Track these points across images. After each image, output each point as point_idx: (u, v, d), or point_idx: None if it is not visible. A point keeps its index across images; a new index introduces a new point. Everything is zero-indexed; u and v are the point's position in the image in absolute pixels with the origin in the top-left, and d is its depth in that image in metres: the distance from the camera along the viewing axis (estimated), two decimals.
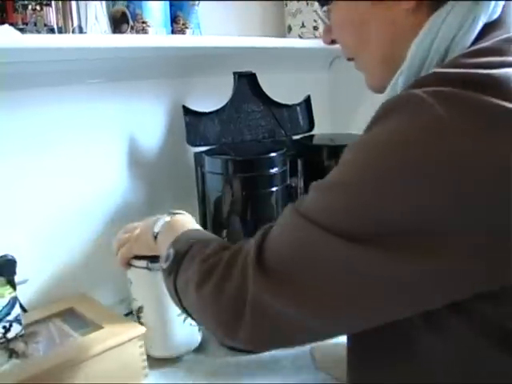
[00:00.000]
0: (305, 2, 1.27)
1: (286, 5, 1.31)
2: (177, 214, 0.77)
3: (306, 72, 1.48)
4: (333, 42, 0.65)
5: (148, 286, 0.88)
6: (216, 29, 1.15)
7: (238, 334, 0.53)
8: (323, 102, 1.55)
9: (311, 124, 1.17)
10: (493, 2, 0.51)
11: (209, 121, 1.06)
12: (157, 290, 0.85)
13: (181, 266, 0.62)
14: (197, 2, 1.05)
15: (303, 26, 1.28)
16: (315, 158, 1.01)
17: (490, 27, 0.52)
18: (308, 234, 0.49)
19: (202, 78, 1.20)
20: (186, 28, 1.05)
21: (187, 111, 1.04)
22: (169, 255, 0.65)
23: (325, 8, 0.65)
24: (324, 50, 1.41)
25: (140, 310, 0.90)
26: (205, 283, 0.56)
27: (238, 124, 1.08)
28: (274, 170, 0.90)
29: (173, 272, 0.63)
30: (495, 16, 0.52)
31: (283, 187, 0.92)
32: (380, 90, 0.61)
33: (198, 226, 0.75)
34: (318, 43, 1.27)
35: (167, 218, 0.75)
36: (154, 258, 0.81)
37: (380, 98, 0.54)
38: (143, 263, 0.85)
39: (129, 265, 0.87)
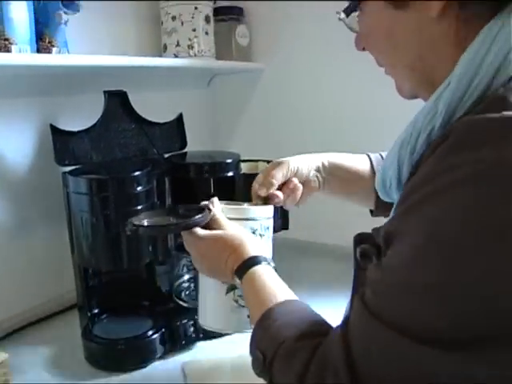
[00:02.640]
0: (179, 22, 1.29)
1: (162, 23, 1.33)
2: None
3: (185, 90, 1.51)
4: (364, 49, 0.63)
5: None
6: (91, 47, 1.15)
7: None
8: (202, 120, 1.57)
9: (183, 142, 1.19)
10: None
11: (78, 140, 1.04)
12: None
13: (272, 376, 0.56)
14: (63, 21, 1.04)
15: (178, 44, 1.30)
16: (183, 176, 1.02)
17: None
18: (401, 349, 0.45)
19: (73, 97, 1.19)
20: (53, 46, 1.04)
21: (55, 130, 1.02)
22: (257, 359, 0.58)
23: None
24: (202, 68, 1.44)
25: None
26: None
27: (109, 143, 1.08)
28: (139, 189, 0.91)
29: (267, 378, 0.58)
30: None
31: (149, 205, 0.93)
32: (410, 97, 0.61)
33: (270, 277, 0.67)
34: (192, 62, 1.30)
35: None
36: None
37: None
38: None
39: None
